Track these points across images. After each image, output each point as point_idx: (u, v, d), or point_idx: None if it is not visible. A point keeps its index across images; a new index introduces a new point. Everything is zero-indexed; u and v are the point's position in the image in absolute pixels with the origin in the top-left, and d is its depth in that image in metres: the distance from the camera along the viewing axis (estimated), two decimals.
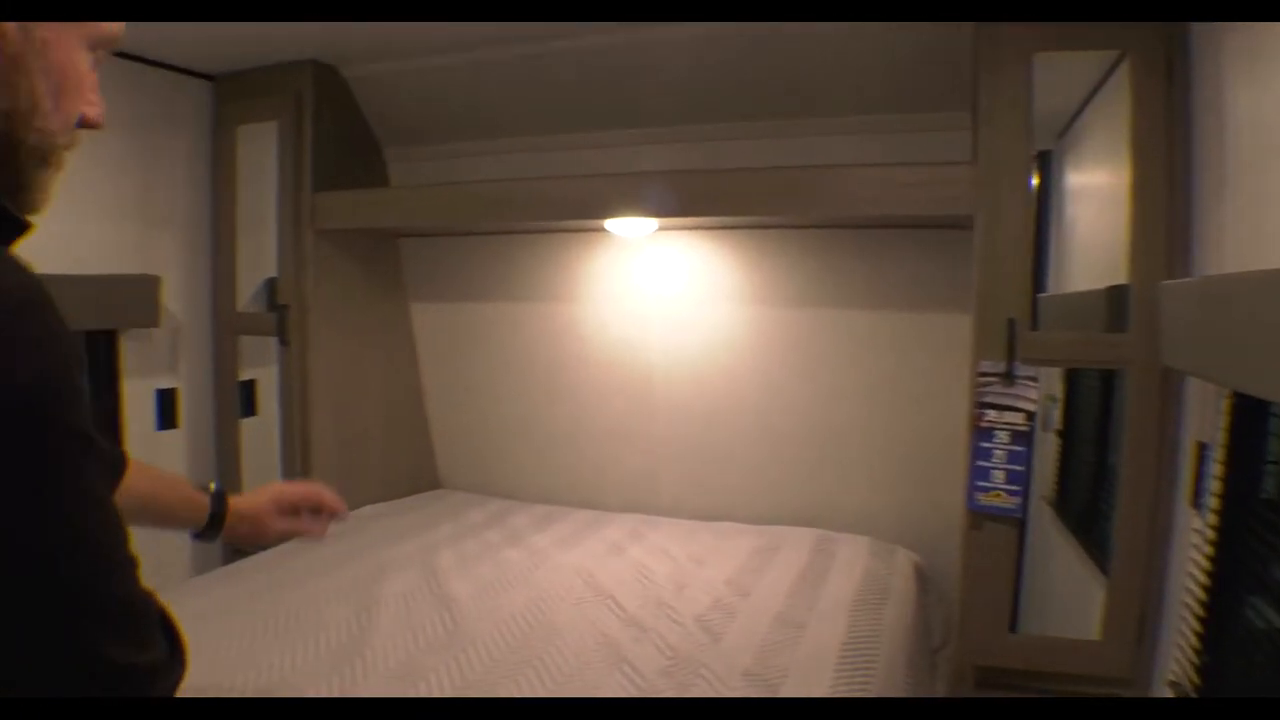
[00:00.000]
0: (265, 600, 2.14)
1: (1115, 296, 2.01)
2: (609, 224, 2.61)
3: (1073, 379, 2.63)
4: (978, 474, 2.04)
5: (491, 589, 2.22)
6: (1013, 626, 2.11)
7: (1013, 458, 2.01)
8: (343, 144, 2.92)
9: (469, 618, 2.02)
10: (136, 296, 2.67)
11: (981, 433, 2.04)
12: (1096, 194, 2.34)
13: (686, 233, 2.81)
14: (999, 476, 2.02)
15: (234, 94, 2.93)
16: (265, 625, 1.97)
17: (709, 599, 2.16)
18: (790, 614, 2.06)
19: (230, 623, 1.98)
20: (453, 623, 2.00)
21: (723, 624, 2.01)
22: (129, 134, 2.69)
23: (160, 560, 2.84)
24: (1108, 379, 2.32)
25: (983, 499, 2.03)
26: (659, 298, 2.90)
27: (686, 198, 2.35)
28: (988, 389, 2.02)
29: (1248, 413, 1.58)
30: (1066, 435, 2.69)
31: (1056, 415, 2.74)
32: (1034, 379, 2.00)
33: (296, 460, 2.88)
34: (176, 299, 2.87)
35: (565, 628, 1.98)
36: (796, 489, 2.82)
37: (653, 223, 2.58)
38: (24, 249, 0.69)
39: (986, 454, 2.03)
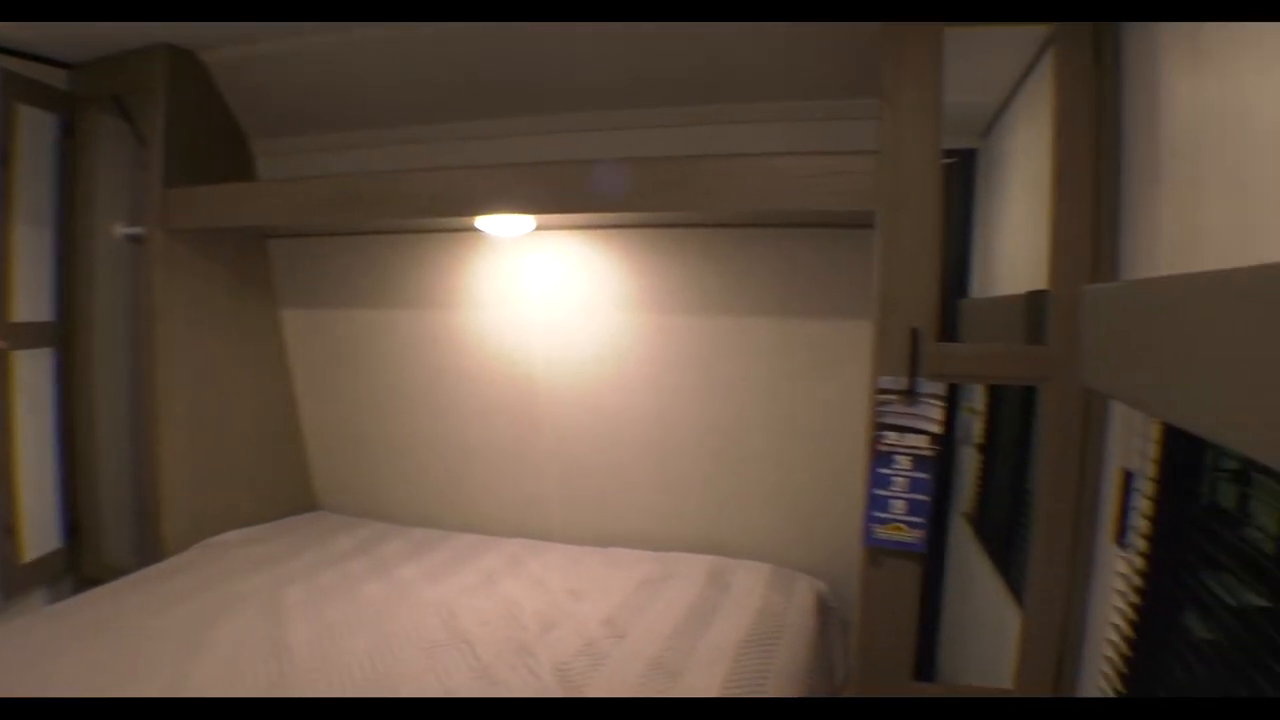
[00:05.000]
0: (86, 642, 1.83)
1: (1035, 303, 1.77)
2: (480, 222, 2.31)
3: (995, 389, 2.41)
4: (875, 503, 1.78)
5: (333, 633, 1.94)
6: (921, 668, 1.85)
7: (915, 485, 1.75)
8: (204, 136, 2.60)
9: (299, 670, 1.76)
10: None
11: (880, 457, 1.77)
12: (1022, 192, 2.10)
13: (569, 232, 2.51)
14: (899, 506, 1.76)
15: (86, 82, 2.59)
16: (78, 671, 1.70)
17: (578, 643, 1.90)
18: (667, 660, 1.81)
19: (54, 664, 1.73)
20: (279, 675, 1.74)
21: (585, 675, 1.75)
22: None
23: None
24: (1031, 391, 2.08)
25: (880, 532, 1.77)
26: (540, 304, 2.60)
27: (561, 192, 2.05)
28: (887, 408, 1.75)
29: (1181, 438, 1.36)
30: (987, 450, 2.48)
31: (977, 428, 2.53)
32: (941, 397, 1.74)
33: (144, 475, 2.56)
34: None
35: (404, 681, 1.72)
36: (694, 512, 2.55)
37: (529, 221, 2.28)
38: None
39: (885, 481, 1.76)
